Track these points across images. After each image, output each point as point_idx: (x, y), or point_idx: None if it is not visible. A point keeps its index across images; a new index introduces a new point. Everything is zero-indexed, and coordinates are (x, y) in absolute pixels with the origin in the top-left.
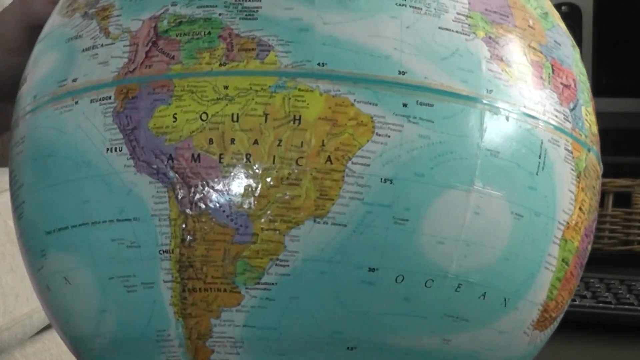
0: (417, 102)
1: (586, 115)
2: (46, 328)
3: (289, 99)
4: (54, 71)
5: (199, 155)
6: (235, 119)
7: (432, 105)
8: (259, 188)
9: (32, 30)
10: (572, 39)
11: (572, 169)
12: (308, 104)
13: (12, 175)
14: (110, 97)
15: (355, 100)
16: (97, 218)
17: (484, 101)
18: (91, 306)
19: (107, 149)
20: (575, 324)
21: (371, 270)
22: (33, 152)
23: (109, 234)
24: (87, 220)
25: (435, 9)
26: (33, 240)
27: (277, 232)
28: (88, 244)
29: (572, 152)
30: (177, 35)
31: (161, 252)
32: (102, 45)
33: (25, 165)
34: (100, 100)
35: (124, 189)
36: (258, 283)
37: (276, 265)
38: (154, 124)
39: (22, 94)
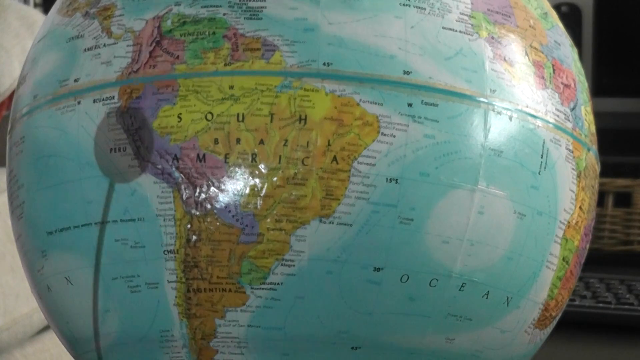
0: (422, 101)
1: (585, 115)
2: (46, 328)
3: (295, 98)
4: (55, 71)
5: (204, 155)
6: (240, 118)
7: (436, 105)
8: (264, 188)
9: None
10: (570, 39)
11: (572, 169)
12: (314, 104)
13: (11, 175)
14: (113, 97)
15: (360, 100)
16: (101, 218)
17: (488, 101)
18: (93, 306)
19: (111, 149)
20: (575, 324)
21: (376, 269)
22: (34, 152)
23: (112, 234)
24: (90, 220)
25: (438, 8)
26: (33, 240)
27: (283, 232)
28: (91, 244)
29: (572, 152)
30: (181, 35)
31: (166, 252)
32: (104, 45)
33: (26, 165)
34: (103, 100)
35: (128, 189)
36: (263, 283)
37: (282, 265)
38: (159, 124)
39: (21, 94)
